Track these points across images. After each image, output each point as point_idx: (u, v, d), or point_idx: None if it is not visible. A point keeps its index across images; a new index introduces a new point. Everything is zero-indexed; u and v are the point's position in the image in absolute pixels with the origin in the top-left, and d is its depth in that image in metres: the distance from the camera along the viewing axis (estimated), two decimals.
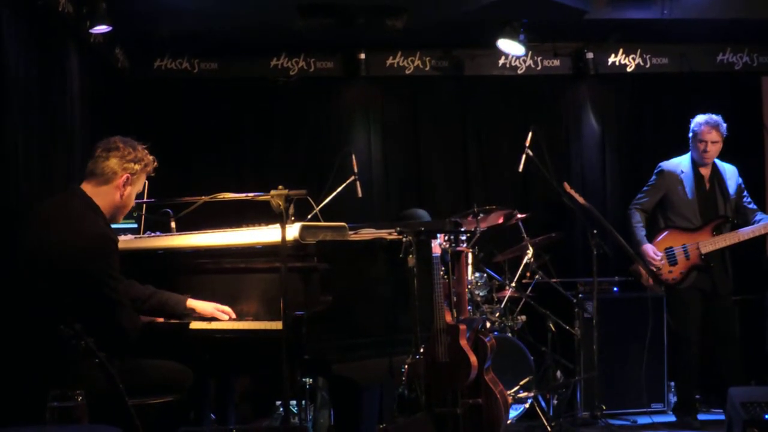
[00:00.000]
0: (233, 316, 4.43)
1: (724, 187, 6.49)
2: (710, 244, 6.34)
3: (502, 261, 6.80)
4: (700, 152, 6.43)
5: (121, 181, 4.09)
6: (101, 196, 4.07)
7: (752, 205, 6.54)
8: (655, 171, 6.63)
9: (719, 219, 6.41)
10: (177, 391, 4.05)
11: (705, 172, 6.50)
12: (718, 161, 6.55)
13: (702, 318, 6.44)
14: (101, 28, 5.93)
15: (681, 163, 6.54)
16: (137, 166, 4.13)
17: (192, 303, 4.43)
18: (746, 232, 6.35)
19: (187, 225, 5.04)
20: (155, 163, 4.24)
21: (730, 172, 6.56)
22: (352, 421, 4.38)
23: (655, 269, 6.42)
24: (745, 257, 6.78)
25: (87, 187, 4.08)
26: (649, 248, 6.46)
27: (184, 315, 4.42)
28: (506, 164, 7.45)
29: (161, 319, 4.44)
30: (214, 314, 4.41)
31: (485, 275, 6.66)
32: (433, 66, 7.82)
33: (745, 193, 6.58)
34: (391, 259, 4.52)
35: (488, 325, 6.38)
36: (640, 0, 6.98)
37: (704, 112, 6.50)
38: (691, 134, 6.50)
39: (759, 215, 6.45)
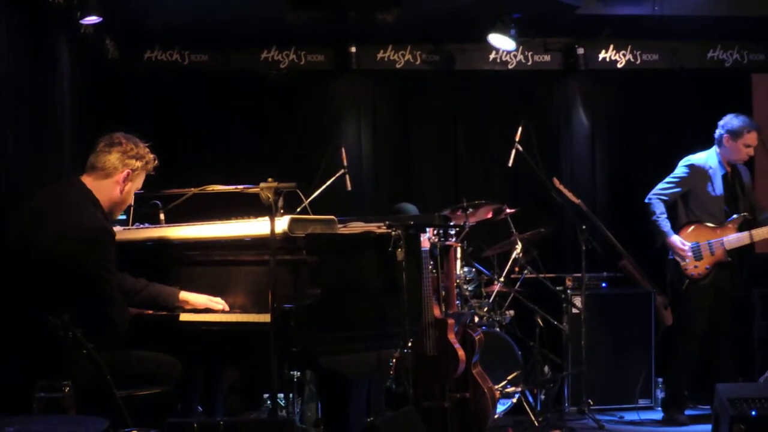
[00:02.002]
0: (227, 308, 4.43)
1: (742, 183, 6.48)
2: (735, 240, 6.28)
3: (491, 256, 6.80)
4: (744, 154, 6.38)
5: (121, 176, 4.10)
6: (101, 190, 4.08)
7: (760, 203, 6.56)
8: (685, 164, 6.48)
9: (741, 216, 6.36)
10: (165, 382, 4.04)
11: (727, 168, 6.46)
12: None
13: (709, 314, 6.41)
14: (92, 19, 5.90)
15: (708, 159, 6.45)
16: (138, 163, 4.15)
17: (185, 295, 4.43)
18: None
19: (177, 217, 5.03)
20: (156, 162, 4.25)
21: (743, 168, 6.55)
22: (340, 415, 4.38)
23: (682, 262, 6.35)
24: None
25: (87, 180, 4.09)
26: (676, 240, 6.34)
27: (177, 308, 4.42)
28: (496, 159, 7.44)
29: (150, 311, 4.44)
30: (207, 305, 4.41)
31: (474, 270, 6.66)
32: (423, 60, 7.81)
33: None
34: (380, 252, 4.51)
35: (476, 319, 6.39)
36: None
37: (734, 113, 6.42)
38: (728, 133, 6.34)
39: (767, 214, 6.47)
